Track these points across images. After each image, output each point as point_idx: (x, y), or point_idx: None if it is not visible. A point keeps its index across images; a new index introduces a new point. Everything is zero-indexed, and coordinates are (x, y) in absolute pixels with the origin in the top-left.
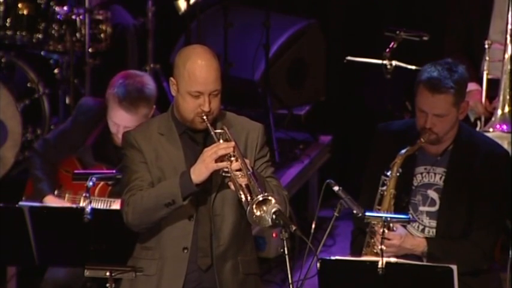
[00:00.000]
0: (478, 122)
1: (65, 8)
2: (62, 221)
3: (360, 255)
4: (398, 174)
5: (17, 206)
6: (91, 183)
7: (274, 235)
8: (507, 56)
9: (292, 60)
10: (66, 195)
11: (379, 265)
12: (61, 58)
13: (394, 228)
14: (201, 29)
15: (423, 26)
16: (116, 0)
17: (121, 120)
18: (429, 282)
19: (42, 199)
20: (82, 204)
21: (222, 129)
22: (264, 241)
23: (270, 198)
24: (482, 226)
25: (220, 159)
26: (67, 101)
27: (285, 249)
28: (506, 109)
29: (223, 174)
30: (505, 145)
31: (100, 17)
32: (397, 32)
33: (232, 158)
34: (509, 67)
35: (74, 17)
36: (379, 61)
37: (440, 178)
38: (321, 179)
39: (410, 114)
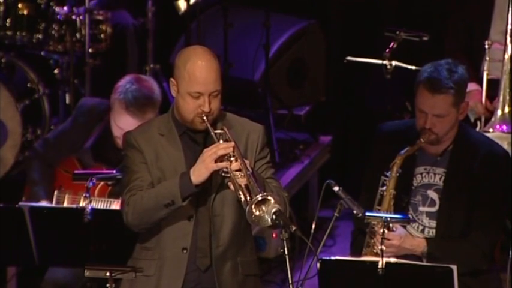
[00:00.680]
0: (478, 122)
1: (65, 8)
2: (62, 221)
3: (359, 255)
4: (398, 174)
5: (17, 206)
6: (91, 184)
7: (274, 235)
8: (507, 56)
9: (292, 60)
10: (66, 195)
11: (379, 265)
12: (61, 58)
13: (394, 229)
14: (201, 29)
15: (423, 26)
16: (121, 6)
17: (127, 125)
18: (429, 283)
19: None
20: (82, 204)
21: (221, 129)
22: (264, 241)
23: (269, 198)
24: (481, 226)
25: (220, 159)
26: (67, 101)
27: (285, 249)
28: (506, 109)
29: (223, 174)
30: (505, 145)
31: (100, 17)
32: (397, 32)
33: (232, 158)
34: (509, 67)
35: (73, 17)
36: (379, 61)
37: (440, 178)
38: (321, 179)
39: (410, 115)
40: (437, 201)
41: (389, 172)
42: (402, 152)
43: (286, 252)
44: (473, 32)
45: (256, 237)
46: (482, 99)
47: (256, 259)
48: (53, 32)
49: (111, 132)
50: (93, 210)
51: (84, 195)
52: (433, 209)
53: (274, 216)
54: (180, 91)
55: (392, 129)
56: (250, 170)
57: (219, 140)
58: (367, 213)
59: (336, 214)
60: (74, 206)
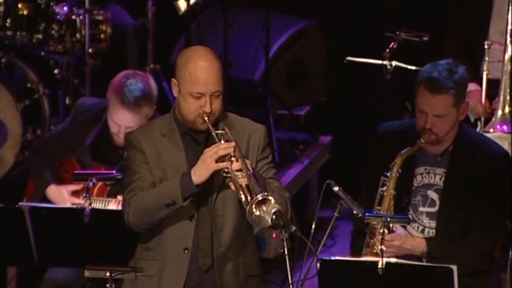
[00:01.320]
0: (478, 123)
1: (65, 8)
2: (62, 221)
3: (359, 255)
4: (398, 174)
5: (17, 206)
6: (91, 184)
7: (274, 235)
8: (507, 56)
9: (292, 61)
10: None
11: (379, 265)
12: (61, 58)
13: (394, 229)
14: (201, 30)
15: (423, 26)
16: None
17: (123, 120)
18: (429, 283)
19: (45, 189)
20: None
21: (223, 130)
22: (264, 241)
23: (269, 198)
24: (481, 227)
25: (220, 159)
26: (67, 101)
27: (285, 249)
28: (507, 109)
29: (224, 174)
30: (505, 146)
31: (100, 18)
32: (397, 32)
33: (233, 159)
34: (509, 68)
35: (73, 17)
36: (379, 61)
37: (440, 179)
38: (321, 179)
39: (410, 115)
40: (437, 202)
41: (390, 172)
42: (402, 152)
43: (286, 252)
44: (472, 32)
45: (256, 237)
46: (482, 99)
47: (258, 259)
48: (53, 32)
49: (109, 132)
50: (93, 210)
51: (84, 195)
52: (433, 209)
53: (274, 217)
54: (181, 91)
55: (392, 130)
56: (251, 170)
57: (220, 140)
58: (367, 214)
59: (336, 214)
60: (74, 206)
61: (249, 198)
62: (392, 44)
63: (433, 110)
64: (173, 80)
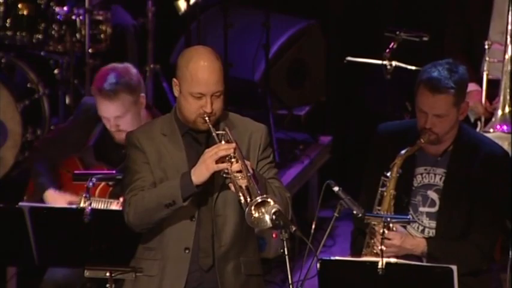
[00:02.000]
0: (478, 123)
1: (65, 8)
2: (62, 222)
3: (359, 255)
4: (398, 175)
5: (17, 206)
6: (91, 184)
7: (274, 236)
8: (507, 56)
9: (292, 61)
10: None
11: (379, 265)
12: (61, 58)
13: (394, 229)
14: (201, 30)
15: (423, 26)
16: (116, 0)
17: (105, 111)
18: (429, 283)
19: (43, 193)
20: (82, 204)
21: (223, 130)
22: (264, 242)
23: (268, 200)
24: (481, 227)
25: (220, 160)
26: (67, 101)
27: (285, 249)
28: (507, 109)
29: (224, 175)
30: (506, 146)
31: (100, 18)
32: (397, 32)
33: (233, 160)
34: (509, 67)
35: (73, 17)
36: (379, 61)
37: (440, 179)
38: (321, 179)
39: (410, 115)
40: (437, 202)
41: (390, 172)
42: (402, 152)
43: (286, 253)
44: (472, 32)
45: (256, 237)
46: (482, 99)
47: (259, 259)
48: (53, 32)
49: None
50: (93, 210)
51: (84, 195)
52: (433, 210)
53: (274, 216)
54: (182, 91)
55: (392, 130)
56: (251, 172)
57: (220, 141)
58: (367, 214)
59: (336, 214)
60: (74, 206)
61: (248, 199)
62: (392, 44)
63: (433, 109)
64: (174, 80)
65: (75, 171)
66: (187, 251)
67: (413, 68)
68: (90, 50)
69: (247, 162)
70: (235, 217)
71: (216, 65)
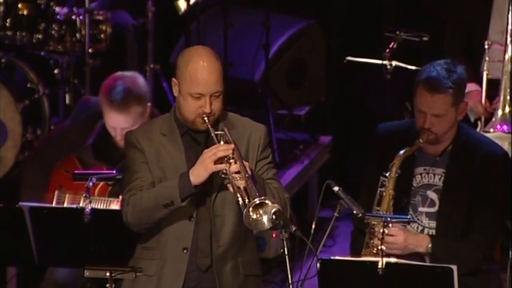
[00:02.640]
0: (478, 123)
1: (65, 8)
2: (62, 221)
3: (359, 255)
4: (397, 175)
5: (17, 206)
6: (91, 184)
7: (274, 235)
8: (507, 56)
9: (292, 61)
10: (67, 195)
11: (379, 265)
12: (61, 58)
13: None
14: (201, 30)
15: (423, 26)
16: (117, 7)
17: (115, 122)
18: (429, 283)
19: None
20: (82, 204)
21: (222, 130)
22: (264, 241)
23: (266, 201)
24: (481, 227)
25: (219, 160)
26: (67, 101)
27: (285, 249)
28: (507, 109)
29: (222, 176)
30: (505, 146)
31: (100, 18)
32: (397, 32)
33: (231, 160)
34: (509, 67)
35: (73, 17)
36: (379, 61)
37: (440, 179)
38: (321, 179)
39: (410, 115)
40: (437, 202)
41: (389, 173)
42: (401, 152)
43: (286, 252)
44: (472, 32)
45: (256, 237)
46: (482, 99)
47: (258, 260)
48: (53, 32)
49: None
50: (93, 210)
51: (84, 195)
52: (433, 210)
53: (274, 216)
54: (181, 91)
55: (391, 130)
56: (250, 173)
57: (219, 141)
58: (367, 214)
59: (336, 214)
60: (74, 206)
61: (246, 201)
62: (392, 44)
63: (431, 109)
64: (173, 79)
65: (75, 171)
66: (185, 251)
67: (413, 68)
68: (90, 50)
69: (246, 163)
70: (233, 217)
71: (216, 65)
